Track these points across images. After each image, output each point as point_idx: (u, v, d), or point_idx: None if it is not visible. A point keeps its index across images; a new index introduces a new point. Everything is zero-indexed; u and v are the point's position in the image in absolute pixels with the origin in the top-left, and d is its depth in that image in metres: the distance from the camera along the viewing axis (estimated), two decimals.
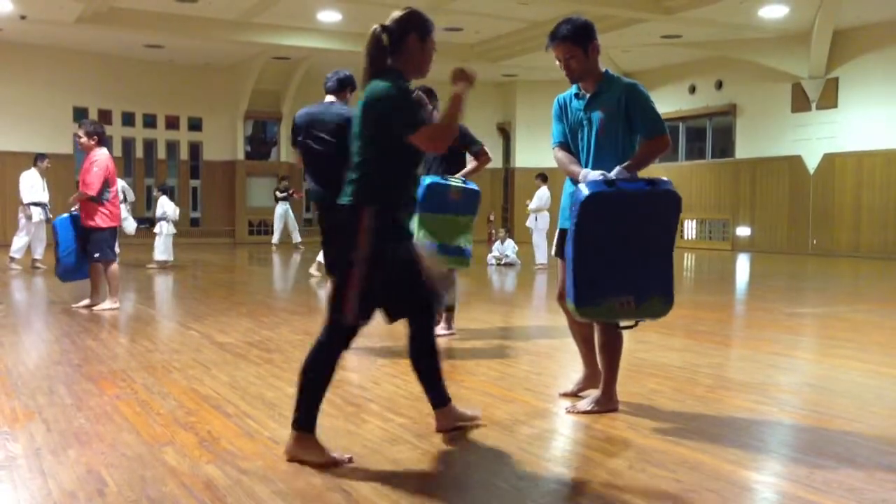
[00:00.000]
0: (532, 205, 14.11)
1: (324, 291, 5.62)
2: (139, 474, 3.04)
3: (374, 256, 3.19)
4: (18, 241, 12.80)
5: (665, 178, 3.81)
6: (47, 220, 12.21)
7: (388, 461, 3.24)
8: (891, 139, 16.32)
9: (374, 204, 3.23)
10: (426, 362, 3.54)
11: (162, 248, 13.40)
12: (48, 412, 3.95)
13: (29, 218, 12.70)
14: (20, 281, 10.91)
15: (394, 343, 5.71)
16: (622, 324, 3.95)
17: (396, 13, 3.41)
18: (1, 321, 7.04)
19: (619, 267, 3.73)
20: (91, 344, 5.95)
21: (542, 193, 13.92)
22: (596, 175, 3.77)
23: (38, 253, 12.69)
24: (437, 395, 3.58)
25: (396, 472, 3.12)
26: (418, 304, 3.44)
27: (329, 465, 3.13)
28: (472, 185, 6.09)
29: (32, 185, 12.79)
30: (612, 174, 3.76)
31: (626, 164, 3.81)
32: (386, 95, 3.23)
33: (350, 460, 3.20)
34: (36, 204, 12.73)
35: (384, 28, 3.36)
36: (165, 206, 13.56)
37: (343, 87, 5.78)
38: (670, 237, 3.85)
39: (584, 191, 3.67)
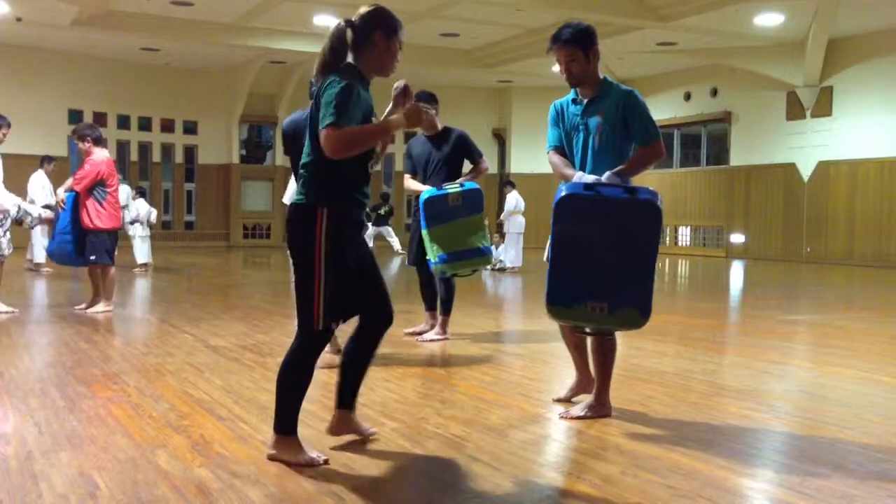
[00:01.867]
0: (504, 212, 14.66)
1: None
2: (131, 477, 3.03)
3: (330, 256, 3.14)
4: (38, 249, 12.77)
5: (650, 189, 3.70)
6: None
7: (380, 466, 3.23)
8: (885, 147, 16.39)
9: (328, 203, 3.16)
10: (359, 364, 3.47)
11: (139, 251, 13.40)
12: (40, 415, 3.93)
13: (46, 225, 12.67)
14: (24, 284, 10.87)
15: (388, 349, 5.70)
16: (587, 329, 3.92)
17: (363, 9, 3.30)
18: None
19: (594, 272, 3.65)
20: (84, 346, 5.93)
21: (512, 199, 14.47)
22: (589, 179, 3.78)
23: (42, 256, 12.65)
24: (348, 397, 3.49)
25: (389, 476, 3.12)
26: (377, 302, 3.40)
27: (307, 465, 3.15)
28: (471, 185, 6.04)
29: (44, 187, 12.80)
30: (603, 178, 3.77)
31: (617, 168, 3.82)
32: (329, 90, 3.10)
33: (326, 461, 3.20)
34: (45, 207, 12.70)
35: (349, 23, 3.25)
36: (140, 209, 13.57)
37: None
38: (651, 249, 3.70)
39: (561, 192, 3.68)
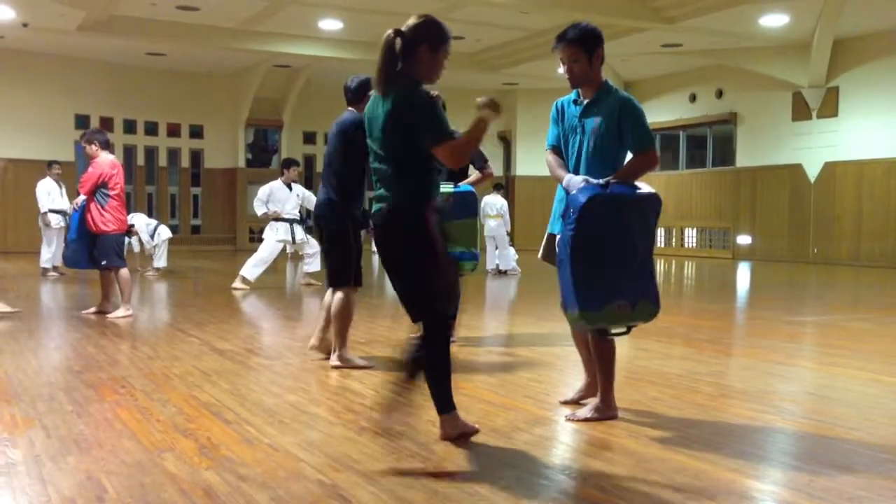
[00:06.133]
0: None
1: (321, 299, 5.59)
2: (139, 481, 3.04)
3: (441, 246, 3.48)
4: (46, 253, 12.83)
5: (640, 184, 3.91)
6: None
7: (387, 469, 3.24)
8: (891, 148, 16.33)
9: (429, 199, 3.49)
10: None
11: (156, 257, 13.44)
12: (48, 419, 3.95)
13: (48, 225, 12.75)
14: (33, 288, 10.91)
15: (395, 350, 5.70)
16: (613, 331, 3.95)
17: (413, 20, 3.45)
18: (1, 328, 7.04)
19: (615, 270, 3.75)
20: (91, 351, 5.95)
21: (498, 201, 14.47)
22: (578, 181, 3.80)
23: (57, 259, 12.69)
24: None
25: (395, 479, 3.12)
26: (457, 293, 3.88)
27: (472, 433, 3.57)
28: (464, 188, 6.02)
29: (49, 192, 12.87)
30: (601, 182, 3.79)
31: (610, 176, 3.82)
32: (419, 104, 3.38)
33: (477, 430, 3.61)
34: (55, 211, 12.78)
35: (398, 33, 3.40)
36: (140, 231, 13.64)
37: (359, 95, 5.37)
38: (652, 241, 3.92)
39: (582, 196, 3.69)
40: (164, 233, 13.51)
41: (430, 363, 3.51)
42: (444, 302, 3.50)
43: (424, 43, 3.42)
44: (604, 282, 3.73)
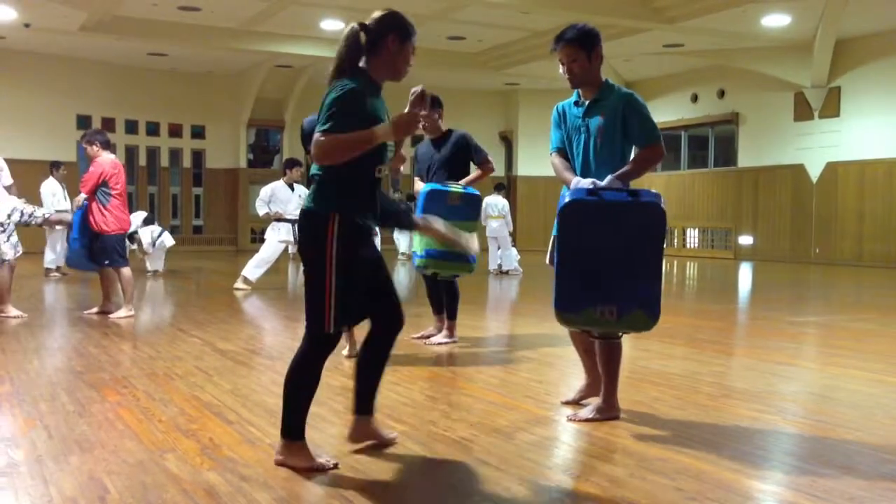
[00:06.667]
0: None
1: None
2: (140, 481, 3.05)
3: (340, 261, 3.14)
4: (50, 254, 12.83)
5: (653, 191, 3.77)
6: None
7: (389, 469, 3.24)
8: (893, 148, 16.33)
9: (337, 209, 3.16)
10: (375, 368, 3.50)
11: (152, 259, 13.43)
12: (50, 419, 3.95)
13: (52, 227, 12.74)
14: (36, 288, 10.92)
15: (396, 353, 5.71)
16: (596, 333, 3.93)
17: (377, 13, 3.29)
18: (4, 328, 7.05)
19: (601, 276, 3.68)
20: (93, 351, 5.95)
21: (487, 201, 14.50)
22: (586, 183, 3.80)
23: (60, 260, 12.69)
24: (366, 402, 3.50)
25: (397, 479, 3.12)
26: (388, 306, 3.42)
27: (316, 471, 3.15)
28: (472, 191, 6.08)
29: (54, 194, 12.87)
30: (604, 182, 3.78)
31: (619, 172, 3.82)
32: (329, 95, 3.12)
33: (336, 465, 3.21)
34: (59, 212, 12.77)
35: (363, 27, 3.24)
36: (143, 238, 13.62)
37: None
38: (656, 251, 3.74)
39: (566, 198, 3.70)
40: (168, 241, 13.43)
41: (293, 380, 3.27)
42: (319, 323, 3.19)
43: (391, 33, 3.24)
44: (584, 285, 3.68)
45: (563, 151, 4.12)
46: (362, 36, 3.22)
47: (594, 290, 3.68)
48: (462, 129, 6.40)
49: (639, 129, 3.92)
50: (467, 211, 5.97)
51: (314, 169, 3.25)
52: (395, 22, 3.28)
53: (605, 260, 3.69)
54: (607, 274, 3.69)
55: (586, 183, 3.80)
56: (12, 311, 7.64)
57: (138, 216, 13.48)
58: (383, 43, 3.24)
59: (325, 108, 3.11)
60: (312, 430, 3.78)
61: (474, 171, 6.36)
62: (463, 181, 6.16)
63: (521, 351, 6.20)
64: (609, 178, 3.80)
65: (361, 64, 3.25)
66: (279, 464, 3.23)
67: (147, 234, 13.31)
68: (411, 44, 3.31)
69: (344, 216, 3.16)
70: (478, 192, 6.13)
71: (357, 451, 3.43)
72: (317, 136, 3.06)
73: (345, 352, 5.53)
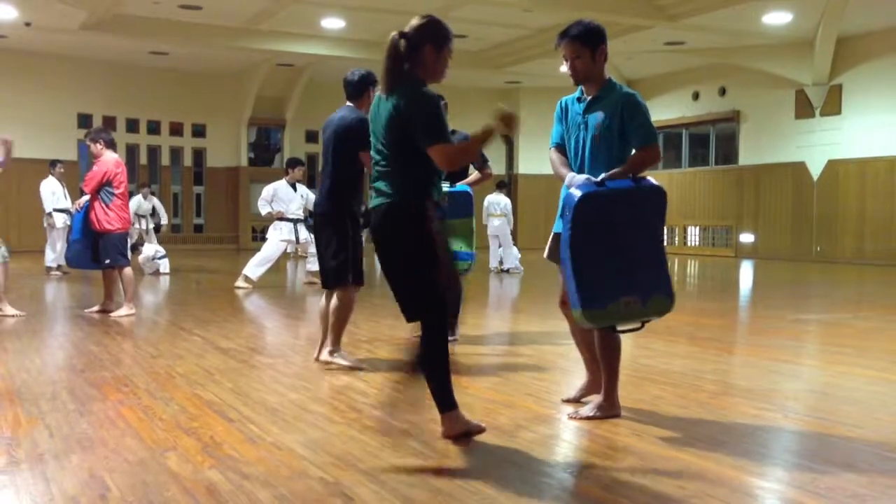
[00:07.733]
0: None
1: (320, 299, 5.57)
2: (142, 479, 3.05)
3: (441, 238, 3.51)
4: (50, 253, 12.84)
5: (652, 180, 3.88)
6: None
7: (390, 467, 3.24)
8: (894, 146, 16.31)
9: (427, 194, 3.51)
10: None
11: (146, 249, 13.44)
12: (51, 417, 3.95)
13: (52, 226, 12.76)
14: (37, 287, 10.92)
15: (397, 352, 5.71)
16: (622, 327, 3.93)
17: (416, 20, 3.52)
18: (5, 327, 7.05)
19: (619, 267, 3.74)
20: (94, 349, 5.95)
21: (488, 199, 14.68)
22: (581, 179, 3.80)
23: (61, 259, 12.69)
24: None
25: (398, 477, 3.12)
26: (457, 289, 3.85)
27: (476, 432, 3.57)
28: (461, 188, 6.05)
29: (54, 192, 12.88)
30: (598, 179, 3.79)
31: (612, 171, 3.82)
32: (423, 102, 3.43)
33: (484, 429, 3.61)
34: (60, 211, 12.79)
35: (402, 35, 3.48)
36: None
37: (360, 90, 5.32)
38: (661, 233, 3.94)
39: (577, 193, 3.70)
40: (164, 268, 13.10)
41: (430, 362, 3.52)
42: (441, 300, 3.49)
43: (429, 43, 3.49)
44: (607, 280, 3.72)
45: (562, 147, 4.13)
46: (402, 43, 3.47)
47: (615, 282, 3.73)
48: (464, 131, 6.38)
49: (636, 129, 3.91)
50: (457, 209, 5.93)
51: (385, 161, 3.51)
52: (432, 31, 3.53)
53: (620, 249, 3.76)
54: (626, 263, 3.75)
55: (581, 179, 3.80)
56: (9, 310, 7.64)
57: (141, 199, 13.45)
58: (421, 51, 3.50)
59: (426, 117, 3.41)
60: (311, 427, 3.79)
61: (474, 173, 6.34)
62: (464, 181, 6.16)
63: (521, 349, 6.20)
64: (601, 176, 3.81)
65: (406, 68, 3.50)
66: (447, 436, 3.52)
67: (150, 250, 13.29)
68: (448, 50, 3.58)
69: (431, 199, 3.53)
70: (467, 189, 6.10)
71: (356, 450, 3.43)
72: (442, 147, 3.40)
73: (316, 355, 5.46)
